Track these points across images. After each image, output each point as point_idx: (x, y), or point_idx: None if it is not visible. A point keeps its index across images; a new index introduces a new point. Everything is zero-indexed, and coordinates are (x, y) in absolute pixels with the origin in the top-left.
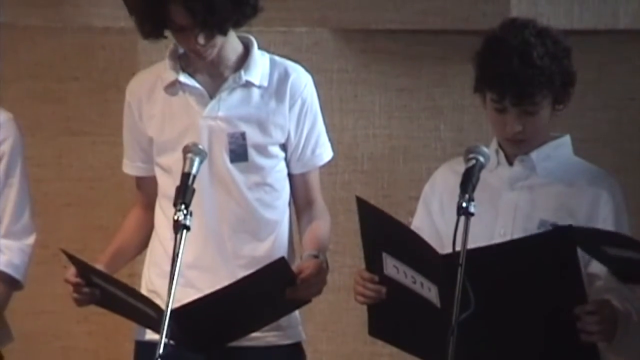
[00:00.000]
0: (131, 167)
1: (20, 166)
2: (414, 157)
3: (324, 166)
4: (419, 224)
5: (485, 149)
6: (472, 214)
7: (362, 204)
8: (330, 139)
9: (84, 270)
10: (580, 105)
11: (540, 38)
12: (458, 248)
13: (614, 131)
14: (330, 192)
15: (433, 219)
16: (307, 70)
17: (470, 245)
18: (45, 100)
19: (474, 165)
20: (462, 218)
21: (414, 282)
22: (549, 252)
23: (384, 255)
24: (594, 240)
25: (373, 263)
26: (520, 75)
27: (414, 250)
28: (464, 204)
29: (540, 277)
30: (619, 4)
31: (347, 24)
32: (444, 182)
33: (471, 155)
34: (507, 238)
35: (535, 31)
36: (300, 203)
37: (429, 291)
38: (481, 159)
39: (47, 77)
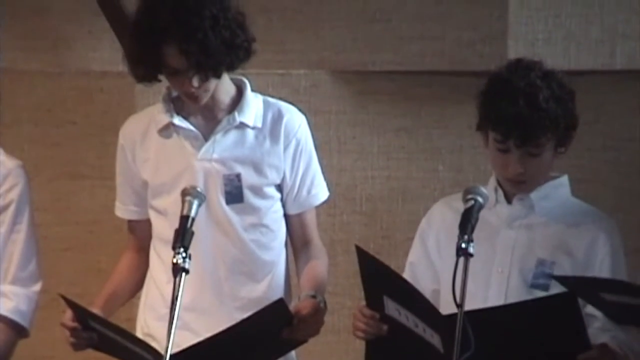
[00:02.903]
0: (124, 210)
1: (28, 213)
2: (413, 198)
3: (322, 207)
4: (415, 259)
5: (483, 190)
6: (472, 255)
7: (361, 253)
8: (328, 181)
9: (81, 314)
10: (578, 145)
11: (546, 81)
12: (457, 289)
13: (612, 171)
14: (329, 233)
15: (429, 255)
16: (304, 111)
17: (469, 283)
18: (44, 144)
19: (472, 206)
20: (462, 259)
21: (416, 327)
22: (552, 314)
23: (385, 298)
24: (591, 287)
25: (374, 303)
26: (525, 117)
27: (415, 302)
28: (463, 245)
29: (543, 333)
30: (615, 44)
31: (344, 66)
32: (441, 218)
33: (470, 196)
34: (505, 276)
35: (541, 73)
36: (297, 243)
37: (432, 337)
38: (480, 199)
39: (46, 121)
